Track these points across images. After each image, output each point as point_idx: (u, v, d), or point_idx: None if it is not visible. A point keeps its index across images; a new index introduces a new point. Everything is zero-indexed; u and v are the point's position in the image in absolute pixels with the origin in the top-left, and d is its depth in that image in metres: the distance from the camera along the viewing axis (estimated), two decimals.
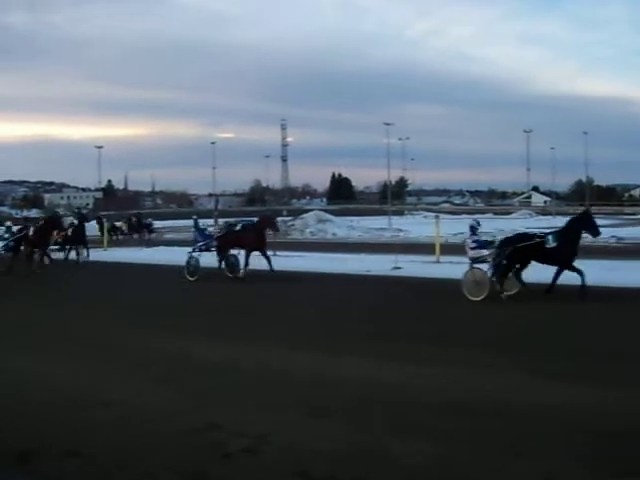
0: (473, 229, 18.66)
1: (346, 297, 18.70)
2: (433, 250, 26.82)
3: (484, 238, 19.52)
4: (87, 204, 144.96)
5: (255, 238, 23.73)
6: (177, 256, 27.54)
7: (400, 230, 55.09)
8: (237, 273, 23.73)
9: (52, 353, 12.13)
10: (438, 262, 25.12)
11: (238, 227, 25.00)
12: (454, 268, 20.31)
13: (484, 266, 17.88)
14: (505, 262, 17.63)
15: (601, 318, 14.49)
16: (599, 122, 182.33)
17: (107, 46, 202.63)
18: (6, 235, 30.64)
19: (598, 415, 7.78)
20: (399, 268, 23.92)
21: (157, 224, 57.09)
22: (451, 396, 8.65)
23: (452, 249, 19.93)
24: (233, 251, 24.49)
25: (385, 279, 22.25)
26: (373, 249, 33.60)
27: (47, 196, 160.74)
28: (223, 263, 24.29)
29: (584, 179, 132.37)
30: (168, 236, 56.53)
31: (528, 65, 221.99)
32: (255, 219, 25.99)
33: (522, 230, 22.41)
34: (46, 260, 29.75)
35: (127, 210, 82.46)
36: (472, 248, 18.32)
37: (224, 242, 24.47)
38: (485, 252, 18.12)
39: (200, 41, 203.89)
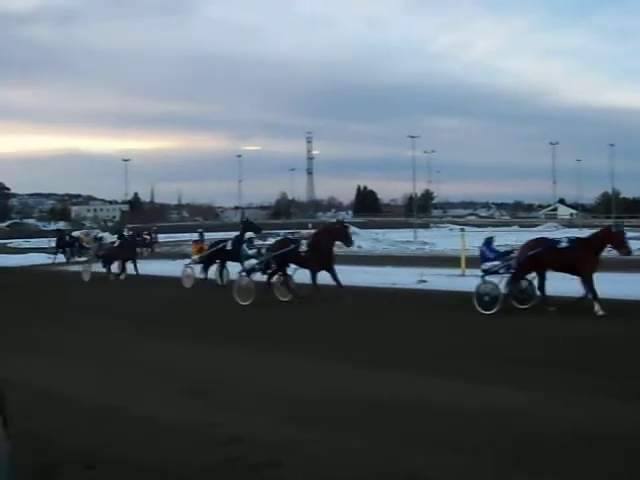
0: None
1: (378, 312, 18.41)
2: (459, 263, 26.78)
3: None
4: (114, 217, 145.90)
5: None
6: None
7: (425, 243, 55.07)
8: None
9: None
10: (464, 275, 25.06)
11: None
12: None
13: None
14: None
15: None
16: (626, 134, 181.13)
17: (135, 59, 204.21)
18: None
19: None
20: (424, 281, 23.86)
21: (184, 236, 57.03)
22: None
23: (478, 262, 19.77)
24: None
25: (411, 292, 21.84)
26: (398, 262, 33.52)
27: (74, 208, 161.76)
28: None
29: (610, 191, 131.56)
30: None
31: (554, 77, 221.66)
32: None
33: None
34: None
35: (153, 223, 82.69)
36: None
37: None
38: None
39: (227, 53, 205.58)
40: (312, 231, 24.98)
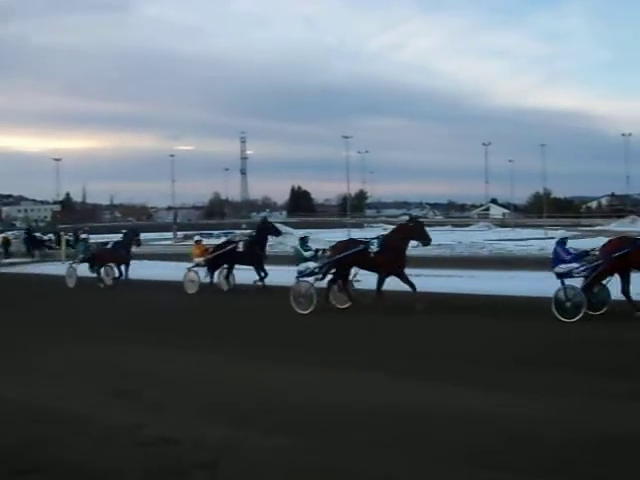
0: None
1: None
2: None
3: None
4: (45, 217, 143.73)
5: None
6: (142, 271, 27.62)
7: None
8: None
9: None
10: None
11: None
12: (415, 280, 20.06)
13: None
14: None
15: None
16: (557, 135, 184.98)
17: (70, 57, 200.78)
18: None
19: None
20: (358, 281, 23.82)
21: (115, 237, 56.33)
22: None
23: (412, 262, 19.74)
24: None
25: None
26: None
27: (5, 209, 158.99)
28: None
29: (542, 191, 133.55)
30: None
31: (488, 78, 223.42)
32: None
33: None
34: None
35: (85, 223, 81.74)
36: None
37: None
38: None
39: (163, 52, 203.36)
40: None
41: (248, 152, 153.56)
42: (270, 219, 32.58)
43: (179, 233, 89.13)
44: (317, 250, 20.50)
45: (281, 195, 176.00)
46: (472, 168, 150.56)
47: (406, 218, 23.78)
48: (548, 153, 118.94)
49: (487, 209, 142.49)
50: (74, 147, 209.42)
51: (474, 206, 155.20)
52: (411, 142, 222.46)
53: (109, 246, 29.48)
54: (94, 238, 55.86)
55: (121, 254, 28.44)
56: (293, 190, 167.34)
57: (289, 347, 13.83)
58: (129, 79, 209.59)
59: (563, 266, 16.65)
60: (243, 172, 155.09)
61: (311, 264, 19.54)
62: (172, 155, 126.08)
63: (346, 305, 19.20)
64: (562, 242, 17.40)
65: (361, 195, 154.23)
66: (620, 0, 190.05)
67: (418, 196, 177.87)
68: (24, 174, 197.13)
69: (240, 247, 24.58)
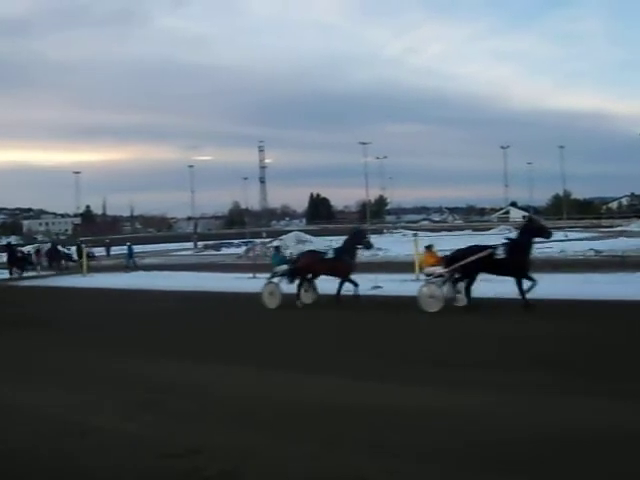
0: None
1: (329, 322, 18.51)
2: (412, 268, 26.83)
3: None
4: (66, 230, 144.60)
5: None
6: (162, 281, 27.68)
7: (379, 249, 55.21)
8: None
9: None
10: (418, 280, 25.09)
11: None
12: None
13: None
14: None
15: None
16: (576, 136, 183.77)
17: (85, 71, 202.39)
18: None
19: None
20: (379, 287, 23.92)
21: (136, 248, 56.56)
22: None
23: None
24: None
25: (368, 299, 21.35)
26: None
27: (25, 223, 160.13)
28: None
29: (561, 193, 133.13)
30: (147, 261, 56.33)
31: (504, 81, 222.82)
32: None
33: None
34: None
35: (106, 235, 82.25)
36: None
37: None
38: None
39: (178, 63, 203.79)
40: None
41: (267, 161, 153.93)
42: (527, 216, 30.20)
43: (199, 243, 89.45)
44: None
45: (300, 203, 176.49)
46: (491, 171, 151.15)
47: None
48: (567, 154, 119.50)
49: (507, 212, 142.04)
50: (93, 160, 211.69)
51: (494, 209, 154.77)
52: (429, 147, 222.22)
53: (329, 254, 22.63)
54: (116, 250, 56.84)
55: (344, 262, 22.02)
56: (312, 197, 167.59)
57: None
58: (147, 91, 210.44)
59: None
60: (262, 181, 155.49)
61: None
62: (191, 166, 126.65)
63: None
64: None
65: (381, 201, 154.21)
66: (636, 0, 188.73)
67: (437, 201, 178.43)
68: (44, 187, 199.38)
69: (501, 253, 18.91)
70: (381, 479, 6.71)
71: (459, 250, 19.81)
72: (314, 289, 22.61)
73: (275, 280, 22.82)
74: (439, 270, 19.65)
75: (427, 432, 7.97)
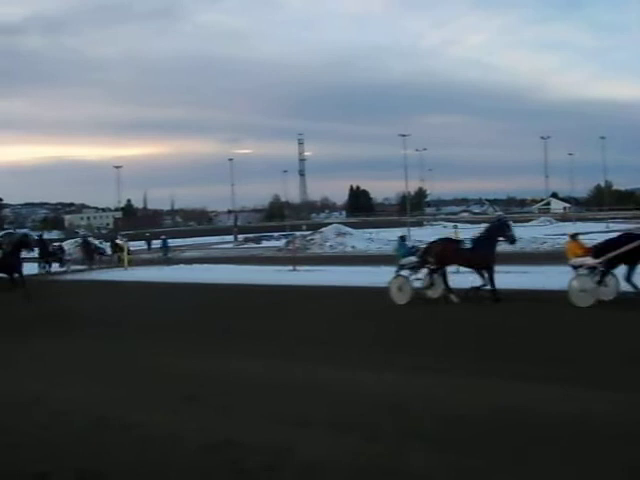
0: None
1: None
2: None
3: None
4: (107, 224, 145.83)
5: None
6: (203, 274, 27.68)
7: (419, 241, 55.07)
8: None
9: None
10: (458, 272, 24.88)
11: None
12: (471, 277, 20.14)
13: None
14: None
15: None
16: (617, 127, 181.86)
17: (125, 66, 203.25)
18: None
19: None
20: (420, 280, 23.81)
21: (177, 242, 56.97)
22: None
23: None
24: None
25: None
26: (392, 261, 33.37)
27: (67, 217, 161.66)
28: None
29: (602, 184, 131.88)
30: (188, 254, 56.68)
31: (544, 71, 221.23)
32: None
33: None
34: None
35: (147, 229, 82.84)
36: None
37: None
38: None
39: (216, 58, 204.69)
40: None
41: (306, 153, 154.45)
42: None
43: (240, 236, 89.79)
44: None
45: (340, 195, 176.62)
46: (531, 163, 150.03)
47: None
48: (608, 145, 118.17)
49: (548, 204, 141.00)
50: (134, 154, 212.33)
51: (534, 201, 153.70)
52: (469, 138, 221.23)
53: (467, 243, 21.37)
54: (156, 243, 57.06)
55: (482, 253, 20.47)
56: (352, 190, 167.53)
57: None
58: (186, 85, 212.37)
59: None
60: (302, 173, 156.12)
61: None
62: (231, 159, 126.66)
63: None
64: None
65: (420, 193, 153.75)
66: None
67: (477, 192, 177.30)
68: (85, 182, 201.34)
69: None
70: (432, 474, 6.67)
71: (609, 240, 19.02)
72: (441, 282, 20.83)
73: (404, 273, 21.48)
74: (589, 261, 18.40)
75: None
